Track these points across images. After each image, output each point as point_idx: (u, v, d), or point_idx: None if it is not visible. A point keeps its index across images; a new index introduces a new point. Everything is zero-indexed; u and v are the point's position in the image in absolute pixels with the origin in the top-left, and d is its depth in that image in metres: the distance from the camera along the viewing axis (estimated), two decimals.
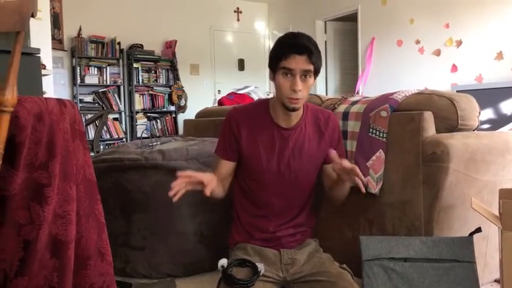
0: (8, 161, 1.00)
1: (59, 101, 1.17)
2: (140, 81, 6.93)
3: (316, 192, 1.78)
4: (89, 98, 6.58)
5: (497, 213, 1.49)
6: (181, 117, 6.92)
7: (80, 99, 6.44)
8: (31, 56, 2.50)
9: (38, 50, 2.54)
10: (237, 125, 1.64)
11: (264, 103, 1.69)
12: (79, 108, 6.30)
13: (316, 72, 1.54)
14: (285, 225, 1.65)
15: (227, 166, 1.68)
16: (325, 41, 7.10)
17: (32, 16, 1.03)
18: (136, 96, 6.91)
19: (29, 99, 1.05)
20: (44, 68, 3.53)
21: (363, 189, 1.43)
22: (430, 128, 1.75)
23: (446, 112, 1.77)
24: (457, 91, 3.16)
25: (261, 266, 1.48)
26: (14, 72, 0.98)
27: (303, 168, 1.63)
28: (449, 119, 1.77)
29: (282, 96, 1.54)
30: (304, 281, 1.52)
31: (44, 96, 2.10)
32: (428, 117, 1.75)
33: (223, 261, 1.50)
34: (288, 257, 1.57)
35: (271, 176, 1.62)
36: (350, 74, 6.99)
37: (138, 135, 6.55)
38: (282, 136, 1.62)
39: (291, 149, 1.62)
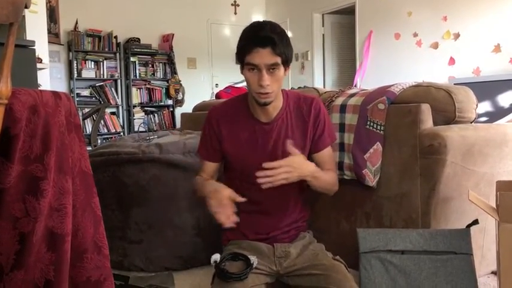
0: (2, 154, 1.00)
1: (54, 93, 1.16)
2: (137, 75, 6.91)
3: (304, 188, 1.76)
4: (86, 92, 6.55)
5: (494, 206, 1.49)
6: (178, 111, 6.90)
7: (77, 93, 6.41)
8: (26, 49, 2.48)
9: (33, 42, 2.52)
10: (217, 124, 1.59)
11: (242, 98, 1.63)
12: (76, 102, 6.28)
13: (285, 62, 1.46)
14: (279, 225, 1.62)
15: (211, 167, 1.64)
16: (323, 34, 7.08)
17: (26, 7, 1.02)
18: (134, 90, 6.88)
19: (23, 91, 1.03)
20: (41, 62, 3.52)
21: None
22: (427, 121, 1.75)
23: (443, 104, 1.76)
24: (454, 84, 3.16)
25: (253, 259, 1.47)
26: (8, 64, 0.97)
27: None
28: (447, 111, 1.77)
29: (251, 91, 1.49)
30: (297, 274, 1.51)
31: (39, 89, 2.09)
32: (426, 109, 1.75)
33: (216, 257, 1.49)
34: (282, 250, 1.56)
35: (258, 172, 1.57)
36: (348, 67, 6.98)
37: (136, 129, 6.54)
38: (263, 130, 1.56)
39: (274, 143, 1.56)
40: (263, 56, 1.41)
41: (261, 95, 1.46)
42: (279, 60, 1.43)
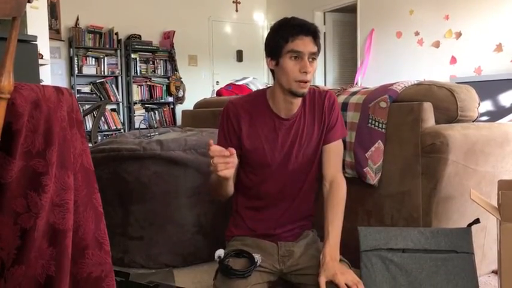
0: (4, 149, 0.99)
1: (56, 88, 1.15)
2: (138, 72, 6.90)
3: (315, 182, 1.76)
4: (86, 89, 6.55)
5: (495, 205, 1.49)
6: (179, 109, 6.90)
7: (77, 90, 6.41)
8: (28, 44, 2.48)
9: (35, 37, 2.52)
10: (236, 119, 1.56)
11: (261, 94, 1.62)
12: (76, 98, 6.26)
13: (318, 56, 1.51)
14: (285, 222, 1.62)
15: None
16: (324, 33, 7.07)
17: (29, 1, 1.02)
18: (134, 87, 6.88)
19: (25, 86, 1.03)
20: (42, 58, 3.51)
21: None
22: (429, 119, 1.75)
23: (446, 103, 1.76)
24: (456, 83, 3.15)
25: (257, 257, 1.47)
26: (11, 59, 0.96)
27: (305, 156, 1.60)
28: (449, 110, 1.76)
29: (289, 81, 1.46)
30: (301, 273, 1.51)
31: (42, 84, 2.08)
32: (428, 108, 1.75)
33: (220, 252, 1.49)
34: (286, 249, 1.56)
35: (275, 168, 1.58)
36: (349, 66, 6.97)
37: (136, 126, 6.53)
38: (283, 127, 1.57)
39: (293, 139, 1.57)
40: (306, 44, 1.44)
41: (301, 83, 1.46)
42: (316, 50, 1.47)
